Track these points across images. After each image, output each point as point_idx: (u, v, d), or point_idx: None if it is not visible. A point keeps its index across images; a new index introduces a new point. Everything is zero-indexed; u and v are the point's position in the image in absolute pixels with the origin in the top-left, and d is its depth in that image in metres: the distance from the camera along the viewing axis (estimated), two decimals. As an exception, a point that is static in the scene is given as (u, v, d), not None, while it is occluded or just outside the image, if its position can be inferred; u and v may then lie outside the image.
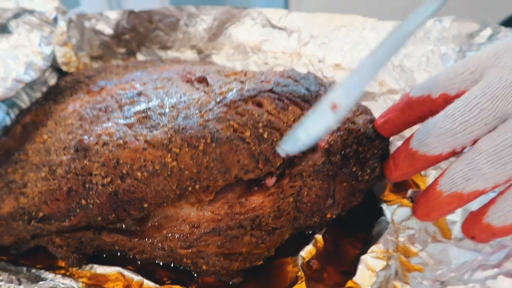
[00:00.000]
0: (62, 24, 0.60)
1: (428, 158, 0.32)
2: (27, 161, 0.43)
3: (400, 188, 0.45)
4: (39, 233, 0.39)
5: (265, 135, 0.35)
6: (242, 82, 0.40)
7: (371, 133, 0.38)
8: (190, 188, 0.34)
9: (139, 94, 0.43)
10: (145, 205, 0.35)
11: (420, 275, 0.37)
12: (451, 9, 0.54)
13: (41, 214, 0.38)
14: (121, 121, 0.38)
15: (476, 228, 0.31)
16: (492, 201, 0.30)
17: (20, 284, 0.36)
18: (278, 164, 0.35)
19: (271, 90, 0.38)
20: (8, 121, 0.53)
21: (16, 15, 0.50)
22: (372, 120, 0.39)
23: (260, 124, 0.35)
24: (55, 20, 0.53)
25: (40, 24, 0.50)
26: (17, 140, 0.48)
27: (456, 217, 0.41)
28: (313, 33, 0.60)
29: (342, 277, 0.38)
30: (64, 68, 0.61)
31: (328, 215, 0.39)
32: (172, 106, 0.38)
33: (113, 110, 0.42)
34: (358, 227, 0.43)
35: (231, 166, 0.34)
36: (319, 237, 0.41)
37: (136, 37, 0.66)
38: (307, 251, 0.40)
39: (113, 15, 0.65)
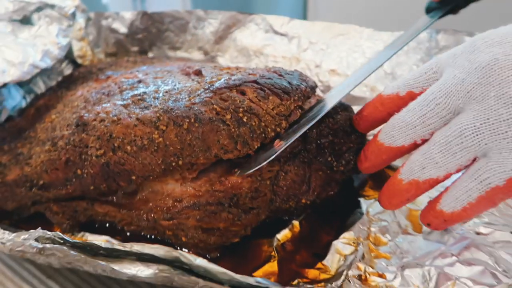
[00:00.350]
0: (81, 21, 0.66)
1: (392, 149, 0.35)
2: (35, 137, 0.48)
3: (380, 184, 0.47)
4: (39, 200, 0.43)
5: (245, 119, 0.38)
6: (232, 74, 0.44)
7: (348, 127, 0.41)
8: (174, 164, 0.37)
9: (139, 81, 0.47)
10: (133, 178, 0.38)
11: (385, 262, 0.39)
12: (442, 22, 0.57)
13: (41, 182, 0.42)
14: (119, 102, 0.42)
15: (430, 215, 0.34)
16: (445, 190, 0.32)
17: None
18: (256, 147, 0.38)
19: (255, 81, 0.41)
20: (23, 104, 0.58)
21: (39, 9, 0.55)
22: (351, 117, 0.42)
23: (241, 109, 0.38)
24: (73, 15, 0.58)
25: (59, 17, 0.55)
26: (29, 121, 0.53)
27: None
28: (312, 39, 0.63)
29: (313, 259, 0.40)
30: (79, 61, 0.66)
31: (303, 201, 0.41)
32: (166, 92, 0.42)
33: (114, 94, 0.46)
34: (334, 217, 0.45)
35: (212, 145, 0.37)
36: (296, 222, 0.44)
37: (148, 37, 0.71)
38: (283, 234, 0.43)
39: (128, 15, 0.70)
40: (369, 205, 0.45)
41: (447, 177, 0.32)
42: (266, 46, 0.66)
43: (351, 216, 0.44)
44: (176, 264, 0.24)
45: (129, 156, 0.38)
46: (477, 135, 0.29)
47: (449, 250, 0.38)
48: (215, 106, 0.38)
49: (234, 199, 0.39)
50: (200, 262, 0.24)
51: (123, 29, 0.70)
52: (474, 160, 0.31)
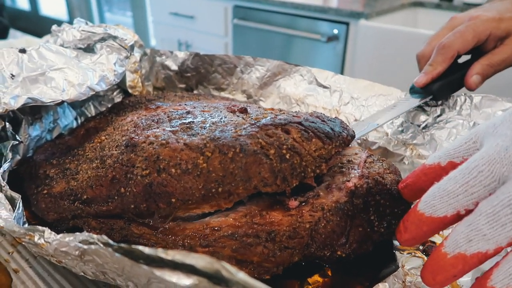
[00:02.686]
0: (137, 55, 0.70)
1: (434, 220, 0.33)
2: (83, 155, 0.50)
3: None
4: (79, 214, 0.44)
5: (287, 156, 0.39)
6: (277, 115, 0.46)
7: (395, 192, 0.41)
8: (213, 190, 0.38)
9: (188, 112, 0.49)
10: (173, 200, 0.39)
11: (419, 320, 0.37)
12: (484, 88, 0.58)
13: (85, 197, 0.43)
14: (168, 128, 0.44)
15: None
16: (496, 265, 0.30)
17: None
18: (294, 184, 0.39)
19: (299, 123, 0.42)
20: (74, 125, 0.61)
21: (102, 39, 0.60)
22: (399, 181, 0.43)
23: (285, 147, 0.39)
24: (132, 47, 0.62)
25: (119, 48, 0.59)
26: (79, 140, 0.55)
27: (467, 274, 0.41)
28: (353, 95, 0.65)
29: (344, 306, 0.40)
30: (130, 91, 0.70)
31: (338, 252, 0.41)
32: (213, 123, 0.44)
33: (163, 121, 0.48)
34: (368, 267, 0.44)
35: (253, 177, 0.38)
36: (328, 268, 0.43)
37: (196, 76, 0.74)
38: (314, 279, 0.42)
39: (181, 55, 0.74)
40: (405, 259, 0.44)
41: (497, 251, 0.30)
42: (308, 96, 0.68)
43: (385, 268, 0.43)
44: (215, 278, 0.24)
45: (172, 179, 0.39)
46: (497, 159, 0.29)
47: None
48: (260, 140, 0.40)
49: (271, 235, 0.39)
50: (242, 276, 0.24)
51: (174, 67, 0.74)
52: None
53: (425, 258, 0.43)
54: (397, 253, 0.44)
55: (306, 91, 0.68)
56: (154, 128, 0.46)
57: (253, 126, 0.42)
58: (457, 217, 0.32)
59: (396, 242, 0.46)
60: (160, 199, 0.39)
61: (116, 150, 0.45)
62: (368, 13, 1.62)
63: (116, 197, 0.41)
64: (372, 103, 0.64)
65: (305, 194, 0.42)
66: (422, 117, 0.59)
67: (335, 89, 0.67)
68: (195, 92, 0.75)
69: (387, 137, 0.61)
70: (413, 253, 0.45)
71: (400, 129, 0.61)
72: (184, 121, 0.46)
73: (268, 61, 0.71)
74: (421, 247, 0.46)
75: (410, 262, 0.43)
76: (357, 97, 0.65)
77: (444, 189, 0.33)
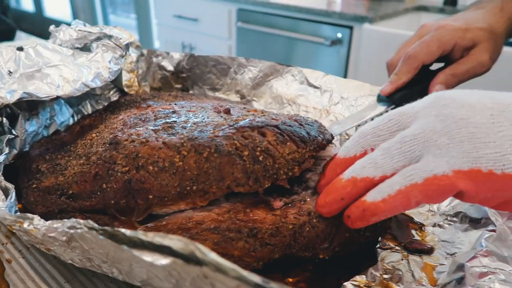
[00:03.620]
0: (133, 55, 0.72)
1: (346, 160, 0.38)
2: (74, 151, 0.51)
3: (400, 236, 0.48)
4: (65, 208, 0.45)
5: (260, 158, 0.40)
6: (256, 116, 0.47)
7: None
8: (188, 188, 0.40)
9: (173, 112, 0.50)
10: (150, 197, 0.41)
11: (395, 310, 0.39)
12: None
13: (70, 192, 0.45)
14: (150, 127, 0.46)
15: (353, 206, 0.35)
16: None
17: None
18: (266, 186, 0.41)
19: (276, 126, 0.44)
20: (71, 122, 0.63)
21: (98, 38, 0.62)
22: None
23: (259, 149, 0.41)
24: (127, 46, 0.64)
25: (114, 47, 0.61)
26: (73, 136, 0.57)
27: (444, 268, 0.42)
28: (343, 95, 0.67)
29: (322, 301, 0.41)
30: (126, 90, 0.72)
31: (321, 255, 0.42)
32: (194, 123, 0.46)
33: (149, 120, 0.49)
34: (348, 260, 0.45)
35: (226, 176, 0.40)
36: (309, 263, 0.44)
37: (191, 76, 0.76)
38: (295, 273, 0.43)
39: (177, 55, 0.76)
40: (385, 254, 0.45)
41: (382, 178, 0.34)
42: (299, 96, 0.69)
43: (365, 262, 0.45)
44: (190, 259, 0.26)
45: (149, 176, 0.41)
46: (414, 142, 0.33)
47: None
48: (235, 141, 0.41)
49: (254, 231, 0.40)
50: (214, 256, 0.25)
51: (170, 67, 0.76)
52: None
53: (405, 253, 0.45)
54: (377, 248, 0.45)
55: (297, 91, 0.70)
56: (139, 127, 0.47)
57: (231, 127, 0.43)
58: (364, 155, 0.37)
59: (378, 240, 0.47)
60: (138, 195, 0.41)
61: (101, 148, 0.46)
62: (372, 17, 1.63)
63: (98, 193, 0.43)
64: (362, 103, 0.65)
65: (291, 197, 0.43)
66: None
67: (325, 89, 0.68)
68: (190, 92, 0.76)
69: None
70: (393, 248, 0.46)
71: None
72: (168, 120, 0.47)
73: (260, 62, 0.73)
74: (402, 243, 0.47)
75: (389, 257, 0.44)
76: (347, 97, 0.66)
77: (359, 131, 0.38)
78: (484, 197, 0.32)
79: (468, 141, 0.31)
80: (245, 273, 0.24)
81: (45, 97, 0.52)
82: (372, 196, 0.34)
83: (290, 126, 0.45)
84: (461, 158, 0.31)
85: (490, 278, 0.39)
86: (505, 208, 0.33)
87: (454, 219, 0.48)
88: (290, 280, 0.43)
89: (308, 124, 0.47)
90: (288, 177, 0.41)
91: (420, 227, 0.48)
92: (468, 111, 0.32)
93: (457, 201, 0.50)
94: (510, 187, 0.31)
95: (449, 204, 0.50)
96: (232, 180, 0.40)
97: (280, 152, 0.42)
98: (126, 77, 0.70)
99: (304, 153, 0.43)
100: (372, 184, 0.34)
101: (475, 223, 0.46)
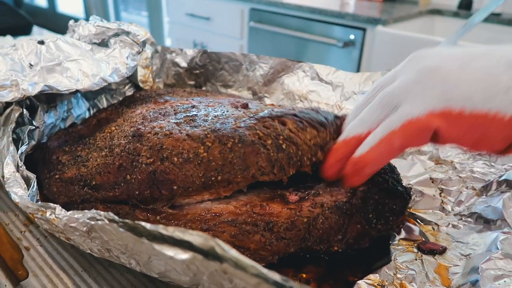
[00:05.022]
0: (148, 51, 0.73)
1: (347, 142, 0.40)
2: (94, 144, 0.52)
3: (412, 237, 0.48)
4: (88, 198, 0.46)
5: (284, 146, 0.41)
6: (273, 109, 0.48)
7: (394, 190, 0.43)
8: (213, 178, 0.40)
9: (193, 106, 0.51)
10: (175, 187, 0.41)
11: (408, 310, 0.39)
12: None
13: (93, 182, 0.45)
14: (172, 120, 0.46)
15: (346, 165, 0.39)
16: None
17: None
18: (291, 173, 0.41)
19: (294, 114, 0.45)
20: (87, 115, 0.64)
21: (116, 34, 0.63)
22: (398, 180, 0.45)
23: (281, 137, 0.41)
24: (144, 43, 0.65)
25: (131, 43, 0.62)
26: (91, 129, 0.58)
27: (458, 269, 0.42)
28: (355, 89, 0.67)
29: (336, 298, 0.41)
30: (141, 85, 0.72)
31: (335, 248, 0.43)
32: (215, 116, 0.46)
33: (169, 114, 0.50)
34: (361, 259, 0.45)
35: (251, 166, 0.40)
36: (322, 259, 0.45)
37: (204, 73, 0.77)
38: (308, 269, 0.44)
39: (190, 52, 0.77)
40: (398, 253, 0.45)
41: (368, 134, 0.37)
42: (311, 92, 0.70)
43: (378, 261, 0.45)
44: (210, 254, 0.26)
45: (174, 167, 0.41)
46: (392, 94, 0.36)
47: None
48: (258, 131, 0.42)
49: (270, 225, 0.41)
50: (234, 253, 0.26)
51: (183, 64, 0.77)
52: None
53: (418, 253, 0.45)
54: (391, 247, 0.46)
55: (309, 87, 0.70)
56: (160, 120, 0.48)
57: (252, 118, 0.44)
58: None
59: (391, 237, 0.47)
60: (162, 186, 0.42)
61: (124, 140, 0.47)
62: (386, 19, 1.63)
63: (122, 184, 0.44)
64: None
65: (306, 191, 0.44)
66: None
67: (337, 85, 0.68)
68: (203, 88, 0.77)
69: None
70: (406, 248, 0.46)
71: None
72: (188, 114, 0.48)
73: (271, 58, 0.73)
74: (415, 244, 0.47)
75: (402, 256, 0.44)
76: (358, 92, 0.66)
77: (356, 104, 0.41)
78: (456, 135, 0.34)
79: (440, 86, 0.34)
80: (265, 271, 0.24)
81: (65, 90, 0.53)
82: (360, 150, 0.37)
83: (307, 113, 0.45)
84: (434, 100, 0.34)
85: (505, 281, 0.39)
86: (479, 147, 0.35)
87: (469, 219, 0.48)
88: (304, 276, 0.43)
89: (324, 112, 0.48)
90: (311, 163, 0.42)
91: (434, 227, 0.49)
92: (440, 62, 0.35)
93: (471, 201, 0.50)
94: (478, 125, 0.33)
95: (463, 204, 0.50)
96: (257, 169, 0.40)
97: (302, 139, 0.42)
98: (141, 73, 0.71)
99: (324, 136, 0.43)
100: (360, 140, 0.38)
101: (490, 224, 0.46)
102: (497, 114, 0.32)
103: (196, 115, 0.47)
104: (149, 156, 0.42)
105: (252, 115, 0.45)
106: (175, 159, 0.41)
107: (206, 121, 0.45)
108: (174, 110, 0.51)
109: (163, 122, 0.47)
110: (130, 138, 0.46)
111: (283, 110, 0.45)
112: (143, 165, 0.42)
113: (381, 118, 0.36)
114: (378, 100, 0.37)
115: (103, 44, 0.63)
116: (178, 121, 0.46)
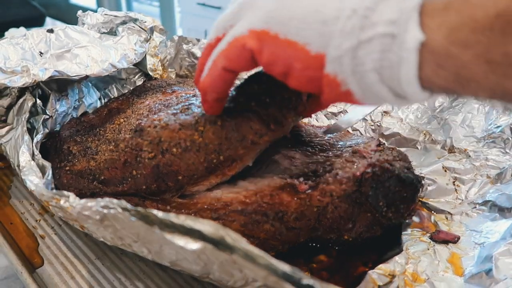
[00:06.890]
0: (156, 40, 0.72)
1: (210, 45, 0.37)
2: (103, 135, 0.52)
3: (424, 227, 0.47)
4: (97, 192, 0.46)
5: (267, 100, 0.41)
6: None
7: (405, 177, 0.42)
8: (215, 161, 0.41)
9: (194, 95, 0.51)
10: (179, 178, 0.41)
11: (422, 298, 0.38)
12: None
13: (102, 177, 0.46)
14: (170, 111, 0.46)
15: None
16: None
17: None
18: (290, 122, 0.41)
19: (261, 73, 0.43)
20: (98, 105, 0.64)
21: (123, 22, 0.63)
22: (409, 167, 0.44)
23: (263, 96, 0.41)
24: (151, 30, 0.65)
25: (139, 30, 0.62)
26: (102, 119, 0.58)
27: (471, 259, 0.42)
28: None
29: (346, 285, 0.41)
30: (151, 73, 0.72)
31: (345, 237, 0.43)
32: None
33: (172, 105, 0.50)
34: (373, 249, 0.45)
35: (246, 133, 0.40)
36: (333, 249, 0.45)
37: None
38: (319, 259, 0.44)
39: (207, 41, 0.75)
40: (410, 243, 0.44)
41: (217, 40, 0.35)
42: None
43: (390, 250, 0.44)
44: (220, 244, 0.26)
45: (175, 158, 0.41)
46: (238, 7, 0.34)
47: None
48: (240, 99, 0.42)
49: (279, 214, 0.41)
50: (244, 243, 0.26)
51: (199, 54, 0.76)
52: None
53: (430, 242, 0.44)
54: (403, 237, 0.45)
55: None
56: (161, 112, 0.48)
57: (233, 95, 0.44)
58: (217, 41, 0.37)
59: (403, 227, 0.47)
60: (168, 178, 0.42)
61: (128, 134, 0.47)
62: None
63: (129, 179, 0.44)
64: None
65: (316, 180, 0.43)
66: (440, 99, 0.60)
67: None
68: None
69: (401, 123, 0.61)
70: (418, 238, 0.45)
71: (415, 114, 0.61)
72: (186, 103, 0.48)
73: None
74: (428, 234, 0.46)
75: (414, 246, 0.43)
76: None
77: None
78: (267, 60, 0.32)
79: (266, 6, 0.32)
80: (274, 261, 0.24)
81: (74, 75, 0.53)
82: (203, 74, 0.36)
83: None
84: (260, 19, 0.32)
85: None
86: (287, 80, 0.32)
87: (483, 207, 0.47)
88: (314, 266, 0.43)
89: None
90: (302, 101, 0.41)
91: (447, 216, 0.48)
92: None
93: (485, 189, 0.49)
94: (288, 55, 0.30)
95: (477, 192, 0.49)
96: (254, 134, 0.40)
97: (281, 85, 0.42)
98: (150, 61, 0.71)
99: None
100: (210, 46, 0.36)
101: (505, 212, 0.45)
102: (305, 46, 0.29)
103: (192, 103, 0.47)
104: (150, 151, 0.43)
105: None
106: (175, 150, 0.41)
107: (199, 107, 0.45)
108: (177, 101, 0.51)
109: (163, 114, 0.47)
110: (133, 132, 0.46)
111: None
112: (146, 160, 0.42)
113: (219, 34, 0.35)
114: (226, 12, 0.35)
115: (111, 33, 0.63)
116: (175, 111, 0.46)
